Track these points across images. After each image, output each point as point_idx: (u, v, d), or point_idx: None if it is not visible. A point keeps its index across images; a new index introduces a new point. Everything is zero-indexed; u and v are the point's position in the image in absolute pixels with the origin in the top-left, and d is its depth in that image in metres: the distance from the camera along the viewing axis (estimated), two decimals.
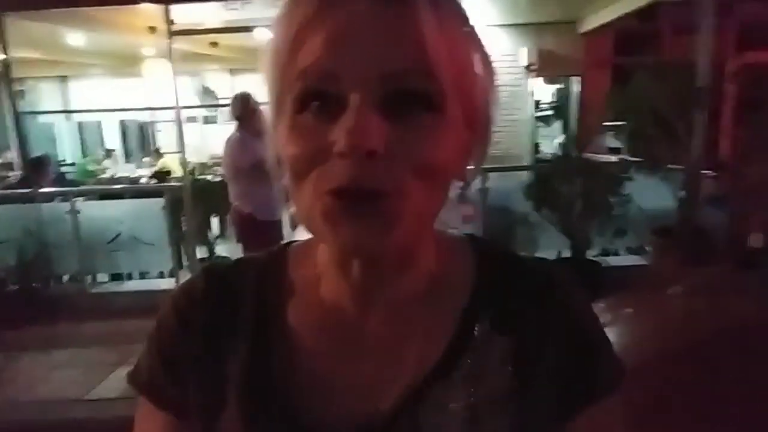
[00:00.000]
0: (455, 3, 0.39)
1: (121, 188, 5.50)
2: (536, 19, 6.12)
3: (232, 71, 8.16)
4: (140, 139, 8.21)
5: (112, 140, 8.54)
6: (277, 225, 3.42)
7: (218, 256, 4.31)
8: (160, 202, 3.88)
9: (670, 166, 3.63)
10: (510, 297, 0.46)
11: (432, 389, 0.42)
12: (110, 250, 3.91)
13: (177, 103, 3.88)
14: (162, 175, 5.71)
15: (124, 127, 8.38)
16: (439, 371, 0.43)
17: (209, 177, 5.05)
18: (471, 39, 0.39)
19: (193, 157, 6.11)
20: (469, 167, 0.42)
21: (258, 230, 3.25)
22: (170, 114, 4.42)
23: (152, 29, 4.72)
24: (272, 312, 0.46)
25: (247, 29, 4.38)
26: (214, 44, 5.98)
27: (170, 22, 3.85)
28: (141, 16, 4.61)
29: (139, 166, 7.20)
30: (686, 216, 3.63)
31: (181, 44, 4.67)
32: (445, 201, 0.40)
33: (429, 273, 0.45)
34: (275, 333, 0.45)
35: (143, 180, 6.15)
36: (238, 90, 3.48)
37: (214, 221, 4.45)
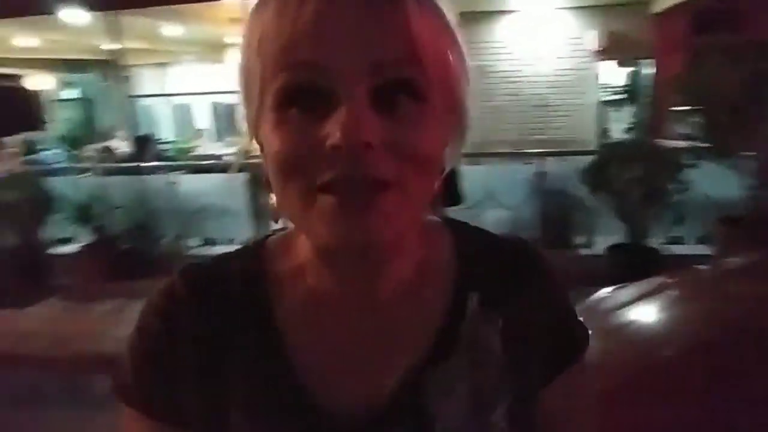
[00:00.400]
0: None
1: (210, 164, 6.09)
2: (605, 1, 5.96)
3: None
4: (229, 120, 8.91)
5: (204, 121, 9.25)
6: None
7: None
8: (242, 177, 4.38)
9: (741, 153, 3.53)
10: (491, 274, 0.47)
11: (433, 371, 0.42)
12: (201, 218, 4.50)
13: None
14: (246, 153, 6.26)
15: (215, 108, 9.13)
16: (437, 353, 0.43)
17: None
18: (449, 30, 0.39)
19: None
20: (448, 155, 0.42)
21: None
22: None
23: (234, 20, 5.24)
24: (260, 307, 0.45)
25: None
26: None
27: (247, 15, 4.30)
28: (224, 9, 5.15)
29: (226, 145, 7.90)
30: (756, 205, 3.53)
31: None
32: (434, 188, 0.40)
33: (416, 258, 0.45)
34: (267, 328, 0.44)
35: (229, 157, 6.79)
36: None
37: None
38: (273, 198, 0.38)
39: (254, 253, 0.48)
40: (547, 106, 6.62)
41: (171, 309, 0.45)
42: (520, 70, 6.61)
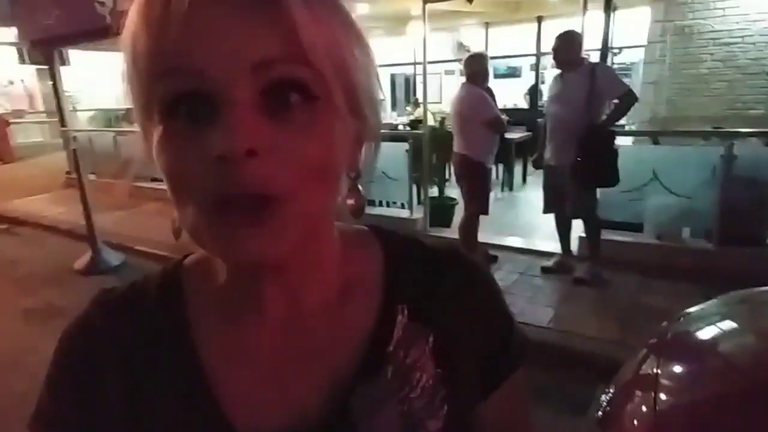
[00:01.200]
0: None
1: (383, 132, 6.69)
2: None
3: (487, 24, 8.55)
4: (405, 91, 9.44)
5: (383, 92, 10.00)
6: (490, 171, 3.91)
7: (445, 196, 5.04)
8: (405, 145, 4.72)
9: None
10: (422, 286, 0.45)
11: (361, 389, 0.41)
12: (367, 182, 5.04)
13: (424, 58, 4.58)
14: (416, 123, 6.67)
15: (393, 79, 9.74)
16: (365, 370, 0.41)
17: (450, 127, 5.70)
18: (346, 23, 0.36)
19: (448, 108, 6.90)
20: (360, 156, 0.40)
21: (480, 174, 3.75)
22: (431, 68, 5.14)
23: None
24: (180, 330, 0.43)
25: None
26: (470, 1, 6.44)
27: None
28: None
29: (400, 114, 8.46)
30: None
31: (439, 5, 5.32)
32: (338, 195, 0.38)
33: (338, 271, 0.44)
34: (188, 352, 0.42)
35: (400, 126, 7.30)
36: (492, 43, 3.83)
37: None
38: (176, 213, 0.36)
39: (172, 274, 0.46)
40: None
41: (85, 338, 0.44)
42: (741, 29, 5.42)
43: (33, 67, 8.57)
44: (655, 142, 4.38)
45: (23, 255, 5.08)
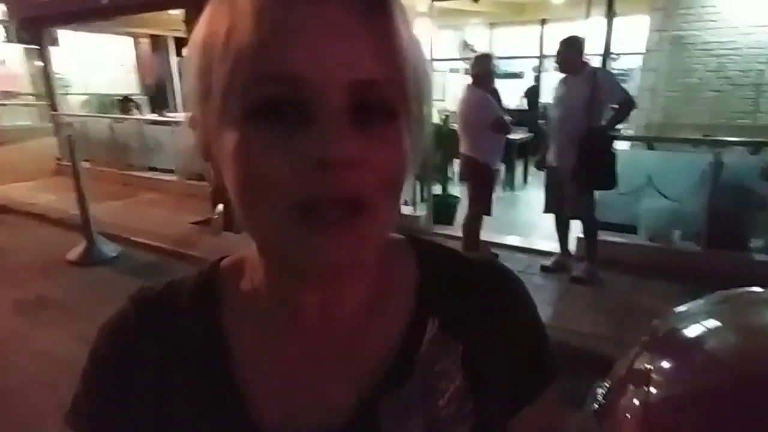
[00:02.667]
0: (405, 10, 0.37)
1: None
2: None
3: (491, 25, 8.62)
4: None
5: None
6: (497, 172, 4.02)
7: (449, 194, 5.12)
8: None
9: None
10: (456, 296, 0.46)
11: (388, 396, 0.41)
12: None
13: (431, 56, 4.63)
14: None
15: None
16: (394, 376, 0.42)
17: (455, 125, 5.76)
18: (419, 45, 0.38)
19: (452, 106, 6.96)
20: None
21: (486, 176, 3.83)
22: (436, 66, 5.16)
23: None
24: (213, 331, 0.44)
25: None
26: (476, 0, 6.51)
27: None
28: None
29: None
30: None
31: (445, 3, 5.36)
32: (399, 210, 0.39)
33: (376, 278, 0.44)
34: (220, 353, 0.43)
35: None
36: (496, 44, 3.87)
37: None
38: (219, 209, 0.49)
39: (207, 277, 0.47)
40: (760, 84, 5.60)
41: (121, 335, 0.45)
42: (731, 41, 5.66)
43: (20, 47, 8.30)
44: (650, 148, 4.53)
45: (11, 244, 4.92)
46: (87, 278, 4.03)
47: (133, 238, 4.71)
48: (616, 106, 3.40)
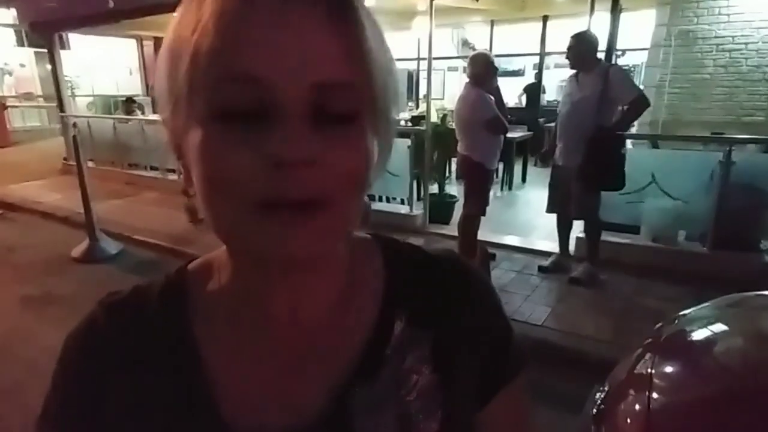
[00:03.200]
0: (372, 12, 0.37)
1: None
2: None
3: (492, 23, 8.55)
4: (408, 87, 9.43)
5: None
6: (492, 172, 3.94)
7: (445, 193, 5.06)
8: (407, 141, 4.70)
9: None
10: (422, 292, 0.46)
11: (359, 390, 0.41)
12: None
13: (429, 54, 4.58)
14: (417, 119, 6.68)
15: None
16: (363, 372, 0.42)
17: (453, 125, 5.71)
18: (386, 47, 0.38)
19: (450, 104, 6.93)
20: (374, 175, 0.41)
21: (480, 175, 3.77)
22: (435, 64, 5.14)
23: None
24: (181, 334, 0.44)
25: None
26: None
27: None
28: None
29: (402, 110, 8.45)
30: None
31: (445, 0, 5.32)
32: (362, 206, 0.40)
33: (343, 275, 0.45)
34: (189, 356, 0.43)
35: (402, 123, 7.29)
36: (497, 41, 3.80)
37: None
38: (190, 200, 0.49)
39: (175, 279, 0.47)
40: None
41: (90, 340, 0.45)
42: (745, 36, 5.44)
43: (30, 50, 8.51)
44: (654, 146, 4.41)
45: (19, 241, 5.05)
46: (90, 275, 4.09)
47: (134, 236, 4.77)
48: (628, 105, 3.28)
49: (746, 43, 5.44)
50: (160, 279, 0.48)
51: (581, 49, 3.31)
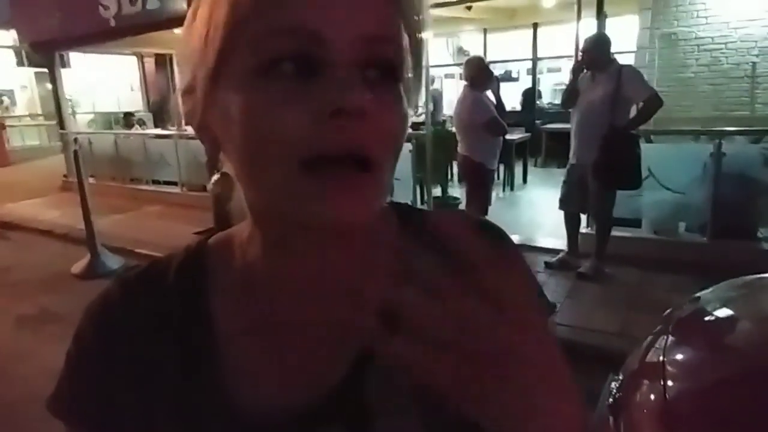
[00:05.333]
0: None
1: None
2: None
3: (485, 31, 8.80)
4: None
5: None
6: (493, 172, 4.07)
7: (448, 195, 5.16)
8: (408, 146, 4.84)
9: None
10: (438, 255, 0.42)
11: (374, 364, 0.39)
12: None
13: (427, 62, 4.71)
14: (417, 124, 6.80)
15: None
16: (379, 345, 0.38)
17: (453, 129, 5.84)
18: (421, 8, 0.38)
19: (449, 110, 7.06)
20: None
21: (481, 175, 3.89)
22: (434, 71, 5.27)
23: None
24: (196, 308, 0.44)
25: None
26: (469, 7, 6.67)
27: None
28: None
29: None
30: None
31: (440, 10, 5.48)
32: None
33: (367, 244, 0.44)
34: (203, 330, 0.43)
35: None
36: (490, 48, 3.92)
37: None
38: (215, 178, 0.39)
39: (194, 252, 0.47)
40: (754, 77, 5.62)
41: (104, 317, 0.45)
42: (723, 36, 5.71)
43: (30, 70, 8.57)
44: (648, 141, 4.56)
45: (17, 260, 4.96)
46: (90, 291, 3.77)
47: (136, 250, 4.73)
48: (642, 105, 3.37)
49: (725, 43, 5.70)
50: (181, 252, 0.47)
51: (595, 50, 3.42)
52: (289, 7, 0.32)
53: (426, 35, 0.39)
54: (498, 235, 0.48)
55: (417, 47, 0.38)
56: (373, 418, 0.39)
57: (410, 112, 0.38)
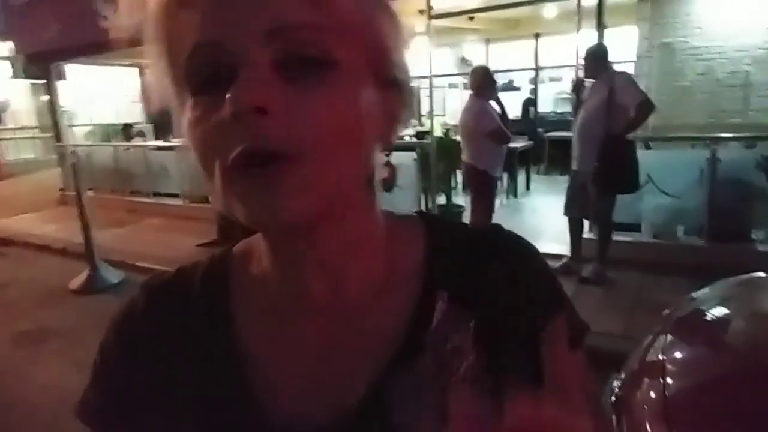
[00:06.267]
0: None
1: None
2: None
3: (488, 41, 8.92)
4: None
5: None
6: (497, 180, 4.11)
7: (453, 203, 5.16)
8: (413, 154, 4.85)
9: None
10: (466, 268, 0.44)
11: (398, 374, 0.39)
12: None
13: (430, 72, 4.78)
14: (422, 134, 6.86)
15: None
16: (404, 355, 0.40)
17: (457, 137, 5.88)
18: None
19: (452, 120, 7.12)
20: (395, 131, 0.40)
21: (485, 183, 3.93)
22: (435, 81, 5.38)
23: (421, 12, 5.75)
24: (221, 318, 0.44)
25: (500, 7, 4.92)
26: (471, 18, 6.76)
27: (429, 8, 4.82)
28: (411, 2, 5.66)
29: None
30: None
31: (442, 21, 5.56)
32: (367, 165, 0.38)
33: (382, 256, 0.43)
34: (227, 340, 0.43)
35: (406, 138, 7.46)
36: (492, 58, 4.00)
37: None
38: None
39: (219, 262, 0.47)
40: (748, 85, 5.76)
41: (128, 324, 0.46)
42: (718, 45, 5.86)
43: (26, 82, 8.50)
44: (647, 147, 4.61)
45: (13, 276, 4.87)
46: (89, 306, 3.97)
47: (137, 264, 4.66)
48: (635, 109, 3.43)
49: (720, 53, 5.85)
50: (205, 261, 0.48)
51: (591, 59, 3.54)
52: (201, 27, 0.33)
53: (396, 30, 0.38)
54: (527, 255, 0.46)
55: (374, 23, 0.36)
56: (399, 431, 0.38)
57: (395, 92, 0.38)
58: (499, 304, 0.42)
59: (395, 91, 0.39)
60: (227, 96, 0.31)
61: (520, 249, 0.47)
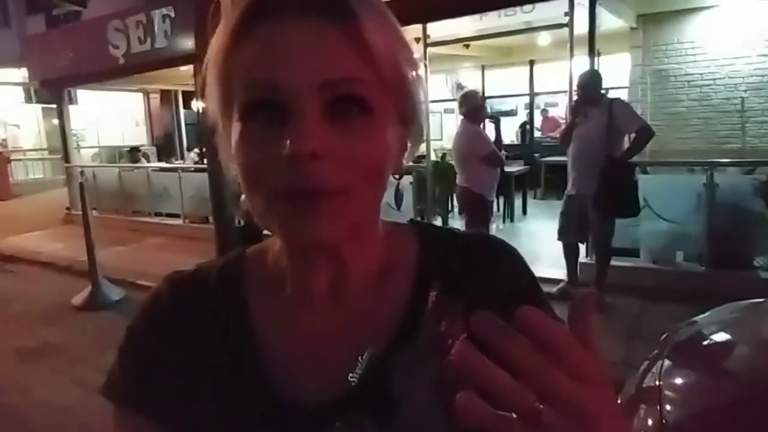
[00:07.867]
0: (385, 6, 0.41)
1: None
2: None
3: (483, 67, 9.08)
4: None
5: None
6: (491, 203, 4.14)
7: (449, 227, 5.18)
8: (409, 178, 4.91)
9: None
10: (455, 265, 0.49)
11: (397, 356, 0.44)
12: None
13: (426, 98, 4.86)
14: (418, 158, 6.95)
15: None
16: (401, 338, 0.45)
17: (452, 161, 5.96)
18: (402, 43, 0.42)
19: (449, 144, 7.20)
20: (405, 158, 0.45)
21: (480, 206, 3.95)
22: (432, 107, 5.49)
23: (418, 40, 5.93)
24: (236, 306, 0.49)
25: (495, 36, 5.07)
26: (467, 46, 6.92)
27: (426, 36, 4.95)
28: (409, 30, 5.82)
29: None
30: None
31: (438, 48, 5.71)
32: (384, 191, 0.44)
33: (379, 257, 0.49)
34: (242, 326, 0.48)
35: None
36: (488, 85, 4.03)
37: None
38: (243, 198, 0.43)
39: (234, 261, 0.53)
40: (744, 111, 5.80)
41: (154, 310, 0.51)
42: (712, 72, 5.93)
43: (38, 106, 8.77)
44: (644, 172, 4.66)
45: (18, 292, 4.98)
46: (91, 322, 4.04)
47: (138, 281, 4.70)
48: (634, 135, 3.49)
49: (714, 79, 5.91)
50: (221, 260, 0.53)
51: (586, 87, 3.60)
52: (261, 65, 0.38)
53: (415, 74, 0.43)
54: (511, 252, 0.52)
55: (400, 73, 0.41)
56: (398, 406, 0.43)
57: (412, 140, 0.45)
58: (487, 293, 0.46)
59: (410, 125, 0.45)
60: (288, 142, 0.37)
61: (503, 247, 0.53)
